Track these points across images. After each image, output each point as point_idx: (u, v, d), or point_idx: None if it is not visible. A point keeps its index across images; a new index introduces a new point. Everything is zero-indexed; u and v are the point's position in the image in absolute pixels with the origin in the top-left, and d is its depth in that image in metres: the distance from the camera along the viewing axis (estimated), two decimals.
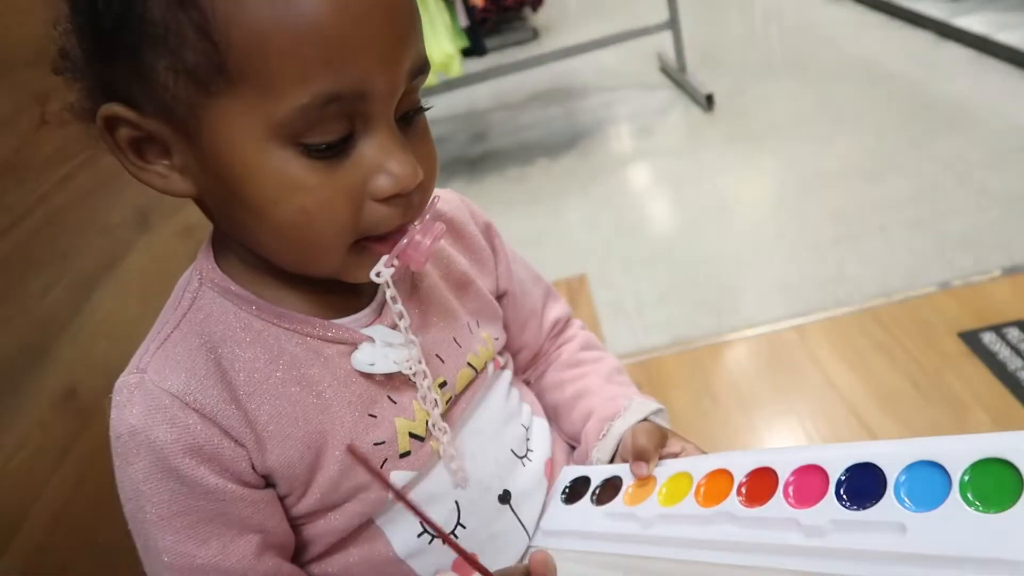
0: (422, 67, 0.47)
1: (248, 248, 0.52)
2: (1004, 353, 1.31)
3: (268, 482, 0.52)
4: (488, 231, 0.69)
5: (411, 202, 0.49)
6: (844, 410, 1.31)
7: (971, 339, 1.36)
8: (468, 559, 0.46)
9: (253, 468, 0.51)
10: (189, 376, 0.50)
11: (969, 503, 0.42)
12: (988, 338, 1.35)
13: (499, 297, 0.69)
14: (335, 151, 0.45)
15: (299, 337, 0.53)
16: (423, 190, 0.50)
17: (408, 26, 0.45)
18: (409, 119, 0.49)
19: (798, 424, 1.31)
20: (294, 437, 0.51)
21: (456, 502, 0.58)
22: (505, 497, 0.60)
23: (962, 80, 2.50)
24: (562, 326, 0.77)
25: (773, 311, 1.66)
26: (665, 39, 3.11)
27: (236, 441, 0.50)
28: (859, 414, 1.29)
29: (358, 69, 0.43)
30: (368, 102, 0.44)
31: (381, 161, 0.46)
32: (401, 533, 0.56)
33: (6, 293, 0.68)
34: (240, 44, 0.41)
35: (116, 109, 0.45)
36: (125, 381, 0.50)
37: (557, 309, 0.76)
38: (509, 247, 0.71)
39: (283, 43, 0.41)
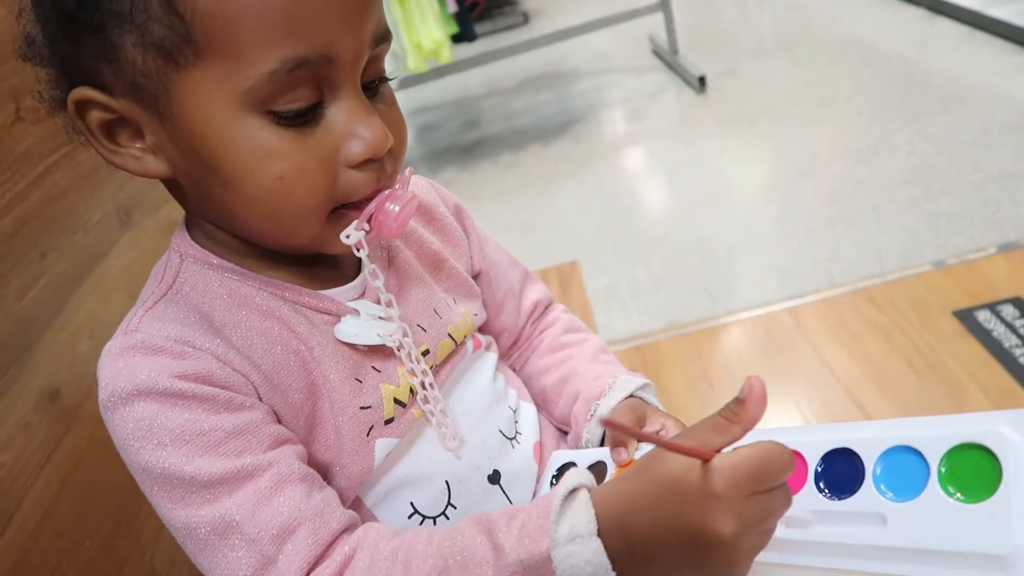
0: (384, 34, 0.48)
1: (224, 227, 0.52)
2: (999, 331, 1.31)
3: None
4: (459, 212, 0.70)
5: (384, 168, 0.50)
6: (840, 391, 1.31)
7: (966, 317, 1.36)
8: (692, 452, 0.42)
9: (261, 400, 0.50)
10: (186, 328, 0.49)
11: (949, 493, 0.42)
12: (983, 316, 1.35)
13: (475, 277, 0.70)
14: (305, 119, 0.46)
15: (286, 302, 0.53)
16: (394, 157, 0.51)
17: None
18: (375, 88, 0.50)
19: (794, 406, 1.31)
20: (295, 387, 0.52)
21: (447, 482, 0.58)
22: (495, 477, 0.61)
23: (955, 56, 2.48)
24: (543, 309, 0.77)
25: (768, 294, 1.65)
26: (656, 21, 3.09)
27: (245, 377, 0.49)
28: (855, 395, 1.29)
29: (322, 34, 0.44)
30: (334, 67, 0.45)
31: (351, 127, 0.47)
32: (392, 516, 0.57)
33: None
34: (206, 14, 0.42)
35: (86, 92, 0.45)
36: (113, 344, 0.49)
37: (536, 292, 0.76)
38: (482, 230, 0.72)
39: (248, 11, 0.42)
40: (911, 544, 0.42)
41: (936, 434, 0.44)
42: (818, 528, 0.46)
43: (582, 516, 0.44)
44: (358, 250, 0.50)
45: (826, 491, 0.47)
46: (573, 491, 0.45)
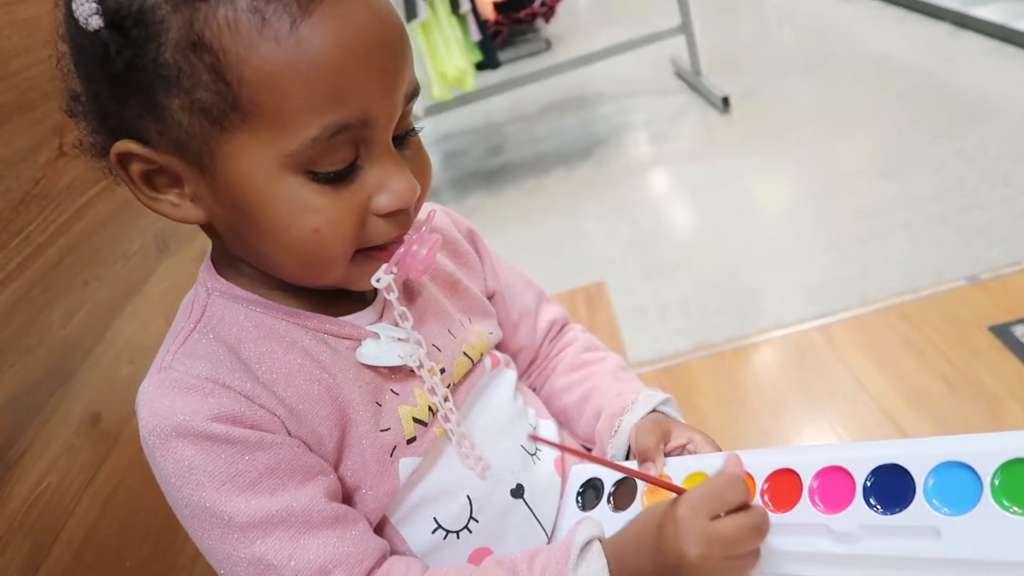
0: (415, 91, 0.51)
1: (253, 265, 0.54)
2: None
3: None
4: (471, 236, 0.72)
5: (408, 215, 0.52)
6: (874, 409, 1.29)
7: (1002, 332, 1.34)
8: (665, 485, 0.52)
9: (290, 435, 0.52)
10: (215, 365, 0.51)
11: (1004, 507, 0.42)
12: (1020, 331, 1.33)
13: (489, 298, 0.71)
14: (341, 176, 0.48)
15: (308, 331, 0.55)
16: (419, 201, 0.53)
17: (403, 56, 0.49)
18: (402, 139, 0.52)
19: (827, 425, 1.30)
20: (322, 415, 0.53)
21: (468, 496, 0.59)
22: (518, 491, 0.62)
23: (981, 71, 2.46)
24: (559, 328, 0.79)
25: (797, 312, 1.64)
26: (678, 43, 3.11)
27: (272, 412, 0.51)
28: (889, 413, 1.27)
29: (363, 100, 0.46)
30: (371, 128, 0.47)
31: (383, 181, 0.49)
32: (416, 532, 0.58)
33: (30, 321, 0.70)
34: (252, 83, 0.43)
35: (129, 146, 0.47)
36: (150, 382, 0.52)
37: (552, 311, 0.78)
38: (495, 252, 0.74)
39: (293, 81, 0.44)
40: (967, 555, 0.42)
41: (988, 450, 0.44)
42: (870, 542, 0.46)
43: (595, 564, 0.50)
44: (388, 293, 0.53)
45: (877, 506, 0.47)
46: (588, 542, 0.51)
